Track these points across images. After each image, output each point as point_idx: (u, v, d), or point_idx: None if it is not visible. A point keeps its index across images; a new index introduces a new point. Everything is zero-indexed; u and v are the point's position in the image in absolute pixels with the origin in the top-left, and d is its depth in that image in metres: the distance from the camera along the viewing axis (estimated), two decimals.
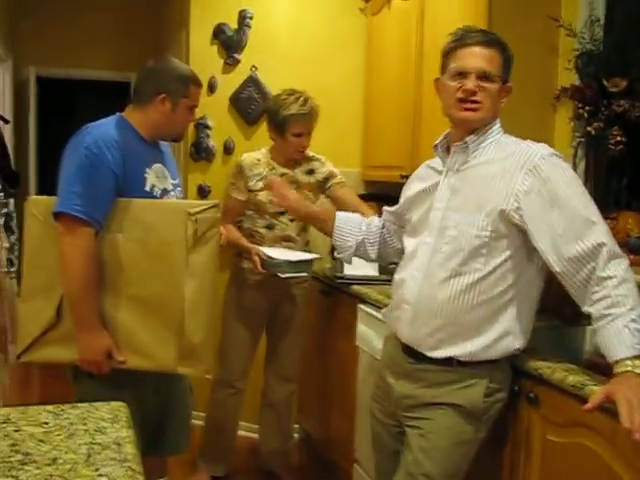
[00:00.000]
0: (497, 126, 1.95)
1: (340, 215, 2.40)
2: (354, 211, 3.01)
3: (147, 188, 2.24)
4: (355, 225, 2.36)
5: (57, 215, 2.11)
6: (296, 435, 3.78)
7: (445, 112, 1.98)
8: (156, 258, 2.19)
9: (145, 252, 2.18)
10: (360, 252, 2.37)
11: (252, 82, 3.71)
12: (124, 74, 5.55)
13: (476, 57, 1.88)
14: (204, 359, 2.26)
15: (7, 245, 3.59)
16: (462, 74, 1.88)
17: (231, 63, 3.74)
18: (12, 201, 3.73)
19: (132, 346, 2.20)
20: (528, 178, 1.79)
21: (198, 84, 2.39)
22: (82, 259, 2.11)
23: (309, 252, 3.13)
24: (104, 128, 2.21)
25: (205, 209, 2.19)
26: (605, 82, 2.72)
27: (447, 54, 1.96)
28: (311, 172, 3.16)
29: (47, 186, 6.25)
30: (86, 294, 2.13)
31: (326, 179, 3.17)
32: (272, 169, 3.09)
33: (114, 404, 1.48)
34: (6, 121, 4.12)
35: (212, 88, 3.72)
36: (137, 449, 1.27)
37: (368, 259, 2.43)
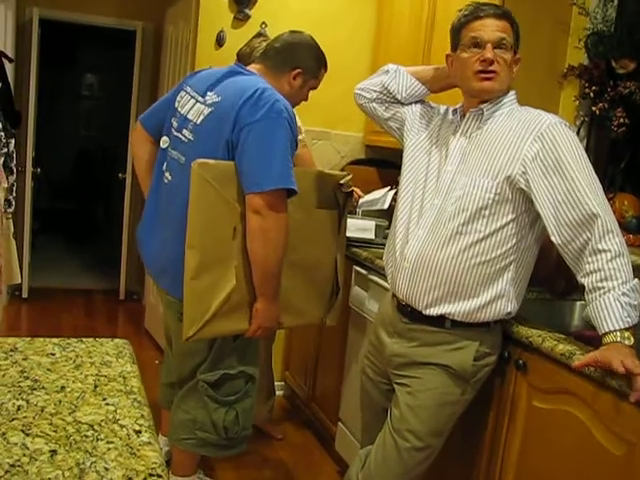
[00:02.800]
0: (512, 97, 1.99)
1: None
2: None
3: None
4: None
5: (273, 190, 2.09)
6: (281, 392, 3.84)
7: (461, 84, 2.01)
8: (316, 225, 2.42)
9: (308, 220, 2.36)
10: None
11: (262, 38, 3.68)
12: (129, 22, 5.50)
13: (491, 28, 1.90)
14: (340, 312, 2.66)
15: (6, 185, 3.58)
16: (478, 45, 1.90)
17: (241, 18, 3.72)
18: (13, 141, 3.71)
19: (287, 306, 2.35)
20: (535, 144, 1.83)
21: (327, 69, 2.52)
22: (285, 235, 2.16)
23: None
24: (277, 93, 2.20)
25: (348, 179, 2.49)
26: (613, 63, 2.75)
27: (459, 29, 1.97)
28: None
29: (44, 128, 6.21)
30: (280, 268, 2.20)
31: None
32: None
33: (118, 341, 1.52)
34: (10, 60, 4.10)
35: (220, 42, 3.70)
36: (142, 383, 1.31)
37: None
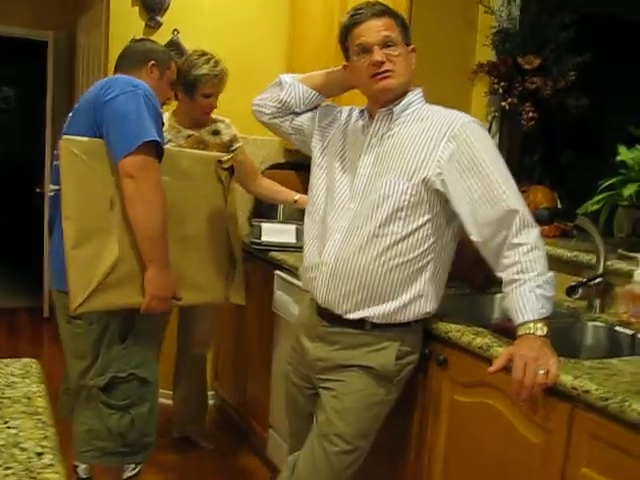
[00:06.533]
0: (420, 95, 1.99)
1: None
2: (253, 176, 3.17)
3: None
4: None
5: (138, 147, 2.10)
6: (212, 401, 3.80)
7: (362, 91, 2.01)
8: (202, 200, 2.46)
9: (190, 195, 2.40)
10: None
11: (174, 45, 3.64)
12: (41, 32, 5.36)
13: (373, 30, 1.90)
14: (244, 287, 2.64)
15: None
16: (366, 50, 1.91)
17: (152, 25, 3.67)
18: None
19: (185, 282, 2.34)
20: (449, 145, 1.84)
21: (176, 62, 2.68)
22: (160, 193, 2.16)
23: None
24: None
25: (229, 158, 2.56)
26: (520, 59, 2.81)
27: (344, 38, 1.98)
28: (217, 133, 3.17)
29: None
30: (164, 230, 2.18)
31: (231, 142, 3.18)
32: (178, 132, 3.07)
33: (25, 360, 1.46)
34: None
35: None
36: (49, 403, 1.26)
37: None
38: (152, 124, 2.16)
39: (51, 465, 1.00)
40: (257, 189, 3.20)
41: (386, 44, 1.89)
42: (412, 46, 1.98)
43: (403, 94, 1.96)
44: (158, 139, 2.16)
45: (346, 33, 1.96)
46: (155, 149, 2.17)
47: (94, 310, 2.22)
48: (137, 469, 3.05)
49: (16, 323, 5.54)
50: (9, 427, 1.12)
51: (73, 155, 2.16)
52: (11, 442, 1.06)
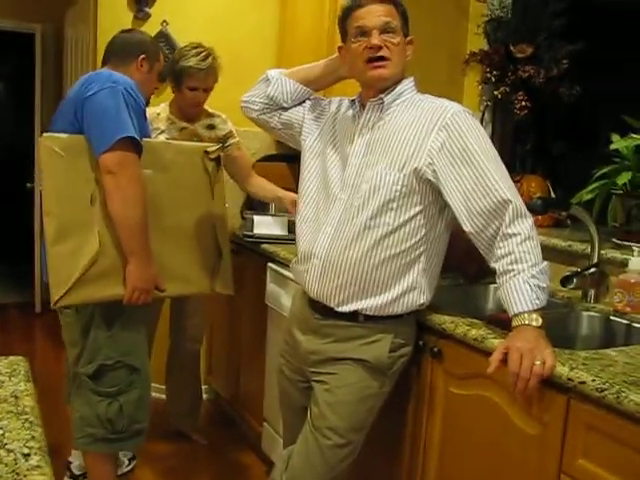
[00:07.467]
0: (411, 84, 1.97)
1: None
2: (245, 174, 3.11)
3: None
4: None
5: (116, 143, 2.11)
6: (205, 395, 3.78)
7: (356, 76, 1.99)
8: (187, 192, 2.46)
9: (174, 187, 2.39)
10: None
11: (163, 37, 3.61)
12: (28, 25, 5.31)
13: (374, 14, 1.88)
14: (231, 278, 2.63)
15: None
16: (365, 33, 1.88)
17: (141, 17, 3.62)
18: None
19: (169, 274, 2.36)
20: (440, 134, 1.82)
21: (164, 53, 2.72)
22: (140, 187, 2.18)
23: None
24: (115, 73, 2.29)
25: (216, 149, 2.55)
26: (512, 48, 2.79)
27: (344, 19, 1.96)
28: (212, 127, 3.13)
29: None
30: (144, 222, 2.20)
31: (226, 137, 3.14)
32: (172, 123, 3.04)
33: (12, 358, 1.44)
34: None
35: None
36: (37, 402, 1.23)
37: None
38: (130, 120, 2.16)
39: (38, 467, 0.98)
40: (248, 187, 3.15)
41: (385, 30, 1.87)
42: (410, 37, 1.95)
43: (395, 83, 1.94)
44: (135, 135, 2.16)
45: (347, 15, 1.94)
46: (133, 144, 2.17)
47: (74, 303, 2.24)
48: (132, 465, 3.04)
49: (7, 319, 5.51)
50: None
51: (52, 152, 2.17)
52: None
